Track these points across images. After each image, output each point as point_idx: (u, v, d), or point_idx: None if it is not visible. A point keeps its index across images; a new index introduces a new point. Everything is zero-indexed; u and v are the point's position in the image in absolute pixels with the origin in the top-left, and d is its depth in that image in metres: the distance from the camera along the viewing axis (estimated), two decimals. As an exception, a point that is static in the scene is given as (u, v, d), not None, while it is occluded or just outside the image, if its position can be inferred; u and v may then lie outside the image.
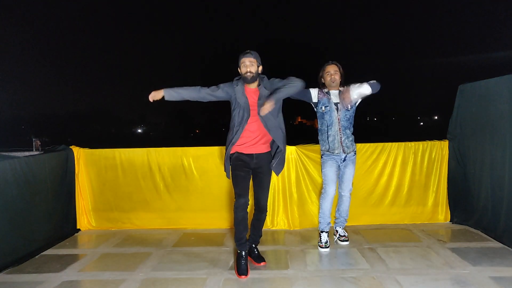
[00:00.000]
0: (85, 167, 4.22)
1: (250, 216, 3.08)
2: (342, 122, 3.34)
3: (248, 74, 2.84)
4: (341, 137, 3.34)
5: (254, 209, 3.09)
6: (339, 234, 3.62)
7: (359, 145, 4.09)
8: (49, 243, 3.67)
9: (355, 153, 3.46)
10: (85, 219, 4.26)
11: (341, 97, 3.26)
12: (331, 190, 3.44)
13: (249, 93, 2.92)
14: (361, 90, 3.18)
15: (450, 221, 4.13)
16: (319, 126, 3.44)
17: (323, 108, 3.36)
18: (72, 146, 4.21)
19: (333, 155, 3.39)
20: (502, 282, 2.63)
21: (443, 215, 4.16)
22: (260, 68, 2.93)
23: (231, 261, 3.19)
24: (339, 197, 3.58)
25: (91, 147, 4.31)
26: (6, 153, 4.06)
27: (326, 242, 3.43)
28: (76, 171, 4.18)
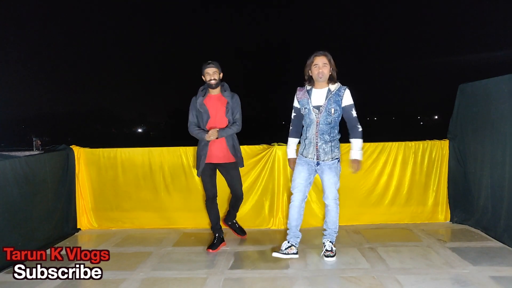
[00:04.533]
0: (85, 167, 4.22)
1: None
2: (320, 126, 2.99)
3: (212, 81, 3.28)
4: (317, 142, 3.01)
5: (211, 199, 3.54)
6: (325, 249, 3.20)
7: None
8: (50, 242, 3.67)
9: (334, 159, 3.08)
10: (85, 218, 4.26)
11: (353, 166, 3.11)
12: (296, 197, 3.14)
13: (212, 98, 3.38)
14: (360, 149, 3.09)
15: (450, 221, 4.13)
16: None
17: (303, 109, 3.08)
18: (73, 145, 4.20)
19: (306, 158, 3.11)
20: (503, 282, 2.63)
21: (443, 214, 4.16)
22: (221, 75, 3.37)
23: (231, 261, 3.19)
24: (325, 206, 3.26)
25: (91, 147, 4.30)
26: (7, 153, 4.06)
27: (281, 249, 3.12)
28: (77, 171, 4.17)
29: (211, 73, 3.28)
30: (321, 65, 2.95)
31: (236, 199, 3.65)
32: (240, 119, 3.44)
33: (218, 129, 3.30)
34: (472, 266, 2.93)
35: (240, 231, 3.83)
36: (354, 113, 3.04)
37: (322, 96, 3.01)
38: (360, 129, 3.07)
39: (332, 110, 2.98)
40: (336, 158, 3.10)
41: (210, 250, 3.42)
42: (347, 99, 3.02)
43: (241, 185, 3.60)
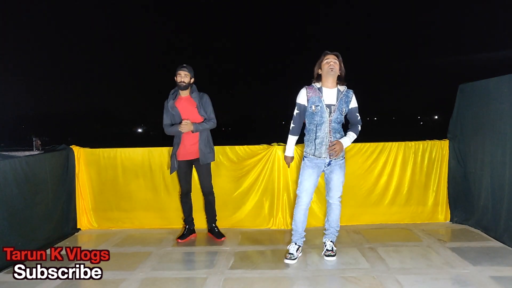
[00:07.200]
0: (85, 167, 4.22)
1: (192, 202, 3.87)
2: (333, 124, 3.02)
3: (181, 83, 3.49)
4: (330, 141, 3.02)
5: (185, 194, 3.79)
6: (326, 249, 3.23)
7: (359, 144, 4.09)
8: (49, 242, 3.67)
9: (343, 158, 3.16)
10: (85, 218, 4.26)
11: (331, 148, 3.01)
12: (304, 201, 3.14)
13: (182, 100, 3.57)
14: (351, 142, 3.13)
15: (450, 221, 4.13)
16: (306, 125, 3.13)
17: (313, 107, 3.02)
18: (73, 145, 4.21)
19: (317, 160, 3.07)
20: (503, 282, 2.63)
21: (443, 214, 4.16)
22: (192, 80, 3.56)
23: (231, 261, 3.19)
24: (327, 205, 3.27)
25: (91, 147, 4.31)
26: (7, 153, 4.06)
27: (291, 254, 3.13)
28: (77, 171, 4.18)
29: (182, 76, 3.49)
30: (332, 61, 3.01)
31: (204, 196, 3.80)
32: (214, 116, 3.64)
33: (191, 122, 3.47)
34: (472, 266, 2.93)
35: (218, 234, 3.83)
36: (358, 116, 3.16)
37: (333, 95, 3.04)
38: (360, 129, 3.18)
39: (344, 110, 3.06)
40: (344, 157, 3.19)
41: (179, 240, 3.73)
42: (354, 102, 3.12)
43: (210, 181, 3.73)
